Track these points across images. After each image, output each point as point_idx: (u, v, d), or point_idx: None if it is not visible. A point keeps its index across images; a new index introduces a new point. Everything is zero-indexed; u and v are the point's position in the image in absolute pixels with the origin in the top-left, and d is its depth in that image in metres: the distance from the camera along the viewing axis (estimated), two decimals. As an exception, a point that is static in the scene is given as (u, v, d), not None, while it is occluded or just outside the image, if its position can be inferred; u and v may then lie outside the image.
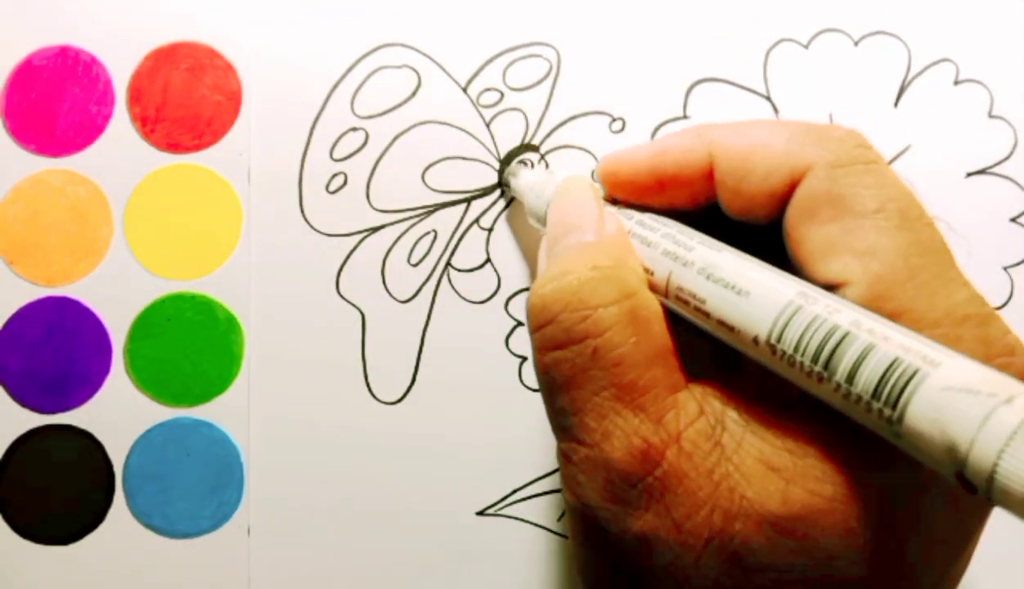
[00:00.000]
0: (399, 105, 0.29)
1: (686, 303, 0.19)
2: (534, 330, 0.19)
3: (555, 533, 0.29)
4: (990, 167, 0.30)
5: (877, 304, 0.17)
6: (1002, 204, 0.29)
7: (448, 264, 0.29)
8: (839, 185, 0.18)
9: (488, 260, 0.29)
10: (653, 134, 0.29)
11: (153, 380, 0.29)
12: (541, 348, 0.19)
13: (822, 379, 0.16)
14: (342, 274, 0.29)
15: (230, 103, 0.29)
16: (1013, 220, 0.29)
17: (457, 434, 0.29)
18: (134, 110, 0.30)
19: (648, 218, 0.21)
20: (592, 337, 0.18)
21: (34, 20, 0.30)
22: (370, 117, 0.29)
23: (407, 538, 0.29)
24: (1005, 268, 0.29)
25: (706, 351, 0.20)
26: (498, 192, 0.29)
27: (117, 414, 0.29)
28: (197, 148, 0.29)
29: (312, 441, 0.29)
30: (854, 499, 0.16)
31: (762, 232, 0.20)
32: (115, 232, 0.29)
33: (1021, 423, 0.13)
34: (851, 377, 0.15)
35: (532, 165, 0.28)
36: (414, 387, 0.29)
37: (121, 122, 0.30)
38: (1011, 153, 0.30)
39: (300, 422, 0.29)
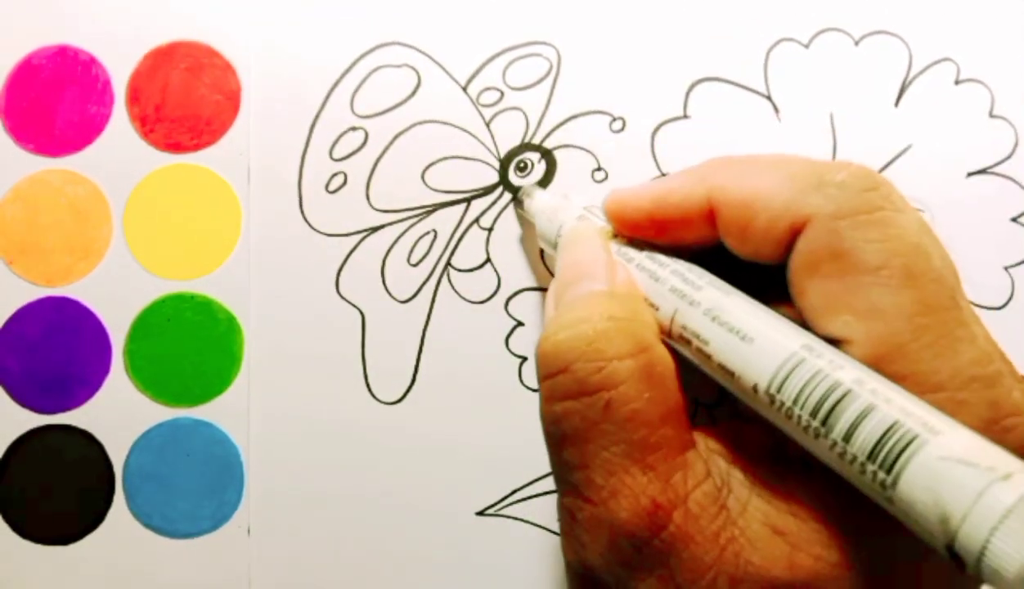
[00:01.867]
0: (399, 104, 0.29)
1: (688, 343, 0.19)
2: (544, 378, 0.19)
3: (555, 533, 0.29)
4: (991, 167, 0.29)
5: (880, 366, 0.16)
6: (1003, 204, 0.29)
7: (448, 264, 0.29)
8: (841, 239, 0.17)
9: (488, 260, 0.29)
10: (653, 134, 0.29)
11: (153, 380, 0.29)
12: (551, 397, 0.18)
13: (819, 435, 0.16)
14: (342, 274, 0.29)
15: (229, 103, 0.29)
16: (1014, 220, 0.29)
17: (457, 434, 0.29)
18: (133, 110, 0.30)
19: (658, 254, 0.21)
20: (606, 390, 0.18)
21: (33, 20, 0.30)
22: (370, 116, 0.29)
23: (407, 538, 0.29)
24: (1006, 268, 0.29)
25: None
26: (498, 192, 0.29)
27: (117, 414, 0.29)
28: (196, 148, 0.29)
29: (312, 441, 0.29)
30: (859, 566, 0.16)
31: (771, 267, 0.20)
32: (115, 232, 0.29)
33: (1016, 502, 0.13)
34: (848, 436, 0.15)
35: (537, 170, 0.28)
36: (414, 387, 0.29)
37: (120, 122, 0.29)
38: (1012, 153, 0.29)
39: (300, 422, 0.29)
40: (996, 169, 0.29)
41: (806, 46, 0.30)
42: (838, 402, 0.16)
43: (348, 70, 0.29)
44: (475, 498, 0.29)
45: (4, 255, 0.29)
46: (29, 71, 0.30)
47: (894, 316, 0.16)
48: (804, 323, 0.18)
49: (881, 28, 0.30)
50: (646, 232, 0.21)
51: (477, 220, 0.29)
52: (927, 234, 0.18)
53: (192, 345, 0.29)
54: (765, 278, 0.19)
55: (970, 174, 0.29)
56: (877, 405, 0.15)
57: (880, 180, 0.18)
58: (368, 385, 0.29)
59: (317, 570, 0.29)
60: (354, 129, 0.29)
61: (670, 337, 0.19)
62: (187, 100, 0.29)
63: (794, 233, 0.18)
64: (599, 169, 0.29)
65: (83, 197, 0.29)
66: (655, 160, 0.29)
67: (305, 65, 0.29)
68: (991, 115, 0.30)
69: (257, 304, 0.29)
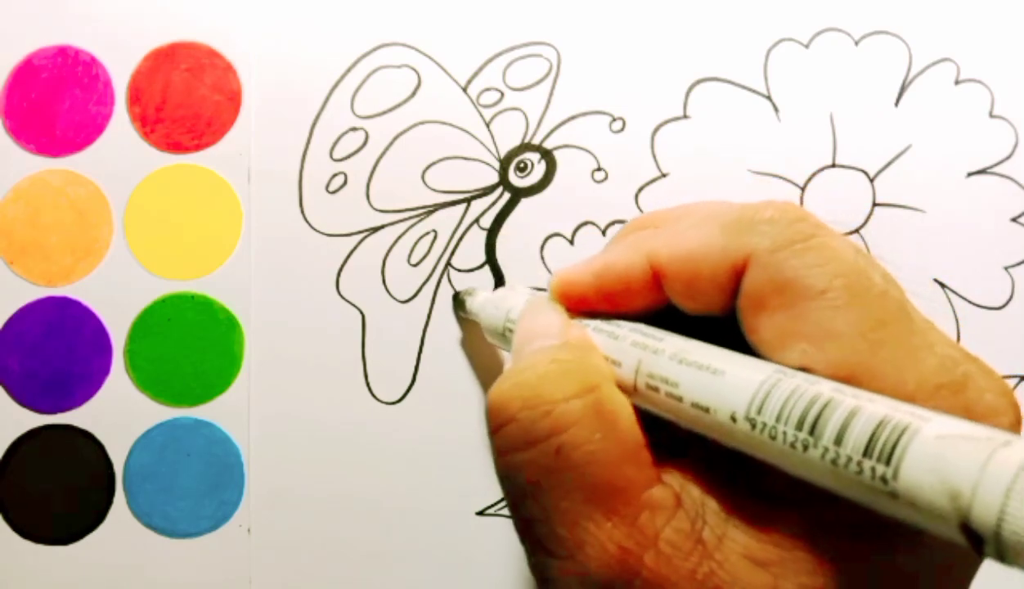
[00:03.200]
0: (399, 105, 0.29)
1: (656, 390, 0.18)
2: (493, 431, 0.18)
3: (555, 533, 0.29)
4: (991, 167, 0.29)
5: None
6: (1003, 204, 0.29)
7: (448, 264, 0.29)
8: (781, 270, 0.17)
9: (488, 260, 0.29)
10: (653, 134, 0.29)
11: (153, 380, 0.29)
12: (501, 451, 0.18)
13: (807, 446, 0.16)
14: (342, 274, 0.29)
15: (230, 103, 0.29)
16: (1014, 220, 0.29)
17: (457, 434, 0.29)
18: (134, 110, 0.30)
19: (612, 318, 0.21)
20: (555, 434, 0.17)
21: (34, 20, 0.30)
22: (370, 117, 0.29)
23: (407, 538, 0.29)
24: (1006, 268, 0.29)
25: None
26: (498, 192, 0.29)
27: (117, 414, 0.29)
28: (197, 148, 0.29)
29: (312, 441, 0.29)
30: None
31: (723, 325, 0.20)
32: (115, 232, 0.29)
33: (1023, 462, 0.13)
34: (839, 439, 0.15)
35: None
36: (414, 387, 0.29)
37: (121, 122, 0.30)
38: (1012, 153, 0.29)
39: (300, 422, 0.29)
40: (996, 169, 0.29)
41: (806, 46, 0.30)
42: (822, 410, 0.15)
43: (348, 70, 0.29)
44: (475, 498, 0.29)
45: (4, 255, 0.29)
46: (30, 71, 0.30)
47: (849, 336, 0.16)
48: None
49: (881, 28, 0.30)
50: (595, 306, 0.21)
51: (477, 220, 0.29)
52: (863, 255, 0.18)
53: (192, 345, 0.29)
54: (714, 338, 0.19)
55: (970, 174, 0.29)
56: (862, 406, 0.15)
57: (806, 212, 0.18)
58: (368, 385, 0.29)
59: (317, 569, 0.29)
60: (354, 129, 0.29)
61: (635, 392, 0.19)
62: (188, 100, 0.29)
63: (737, 277, 0.18)
64: (599, 169, 0.29)
65: (84, 197, 0.29)
66: (655, 160, 0.29)
67: (305, 66, 0.29)
68: (991, 115, 0.30)
69: (257, 304, 0.29)
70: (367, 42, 0.29)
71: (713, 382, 0.17)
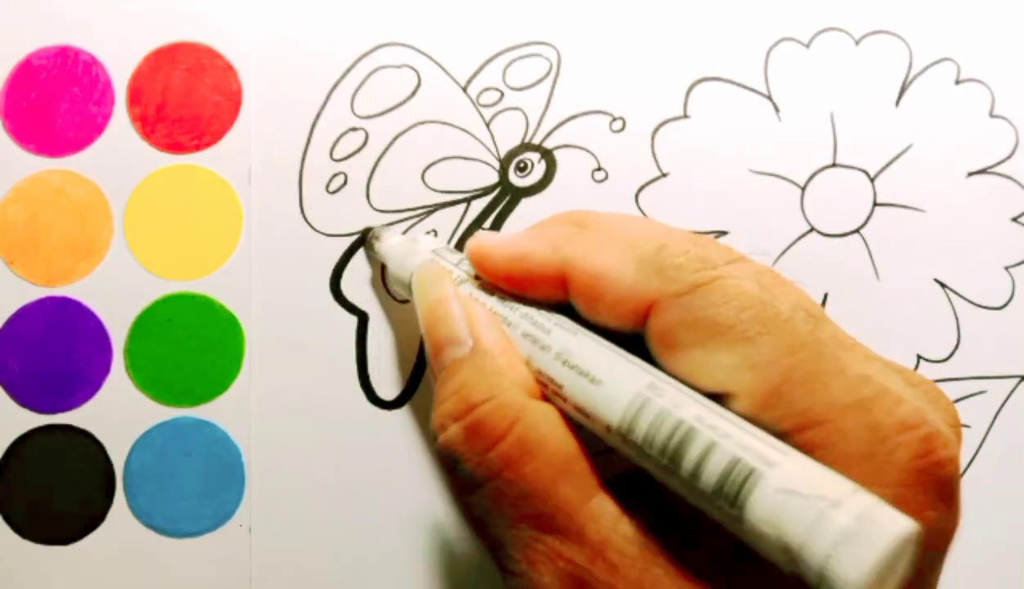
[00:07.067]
0: (399, 105, 0.29)
1: (545, 386, 0.19)
2: (447, 472, 0.20)
3: (555, 533, 0.29)
4: (991, 167, 0.29)
5: (762, 412, 0.17)
6: (1003, 204, 0.29)
7: (448, 264, 0.29)
8: (689, 312, 0.18)
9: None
10: (653, 134, 0.29)
11: (153, 380, 0.29)
12: (455, 492, 0.20)
13: (671, 472, 0.16)
14: (342, 274, 0.29)
15: (230, 103, 0.29)
16: (1014, 220, 0.29)
17: (457, 434, 0.29)
18: (134, 110, 0.30)
19: (508, 298, 0.22)
20: (490, 480, 0.19)
21: (34, 20, 0.30)
22: (370, 117, 0.29)
23: (407, 538, 0.29)
24: (1006, 268, 0.29)
25: None
26: (498, 192, 0.29)
27: (117, 414, 0.29)
28: (197, 148, 0.29)
29: (313, 441, 0.29)
30: None
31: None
32: (115, 232, 0.29)
33: (847, 528, 0.14)
34: (696, 474, 0.16)
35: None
36: (414, 387, 0.29)
37: (121, 122, 0.30)
38: (1012, 152, 0.29)
39: (300, 422, 0.29)
40: (996, 169, 0.29)
41: (806, 46, 0.30)
42: (683, 441, 0.16)
43: (348, 70, 0.29)
44: (475, 498, 0.29)
45: (4, 255, 0.29)
46: (29, 71, 0.30)
47: (761, 364, 0.17)
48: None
49: (882, 28, 0.30)
50: (503, 284, 0.22)
51: (477, 220, 0.29)
52: (770, 287, 0.18)
53: (193, 345, 0.29)
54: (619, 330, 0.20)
55: (970, 174, 0.29)
56: (718, 442, 0.16)
57: (715, 255, 0.19)
58: (369, 385, 0.29)
59: (318, 569, 0.29)
60: (354, 129, 0.29)
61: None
62: (188, 101, 0.29)
63: (640, 314, 0.19)
64: (599, 169, 0.29)
65: (84, 197, 0.29)
66: (655, 160, 0.29)
67: (305, 66, 0.29)
68: (991, 115, 0.30)
69: (258, 304, 0.29)
70: (367, 42, 0.29)
71: (591, 391, 0.18)
